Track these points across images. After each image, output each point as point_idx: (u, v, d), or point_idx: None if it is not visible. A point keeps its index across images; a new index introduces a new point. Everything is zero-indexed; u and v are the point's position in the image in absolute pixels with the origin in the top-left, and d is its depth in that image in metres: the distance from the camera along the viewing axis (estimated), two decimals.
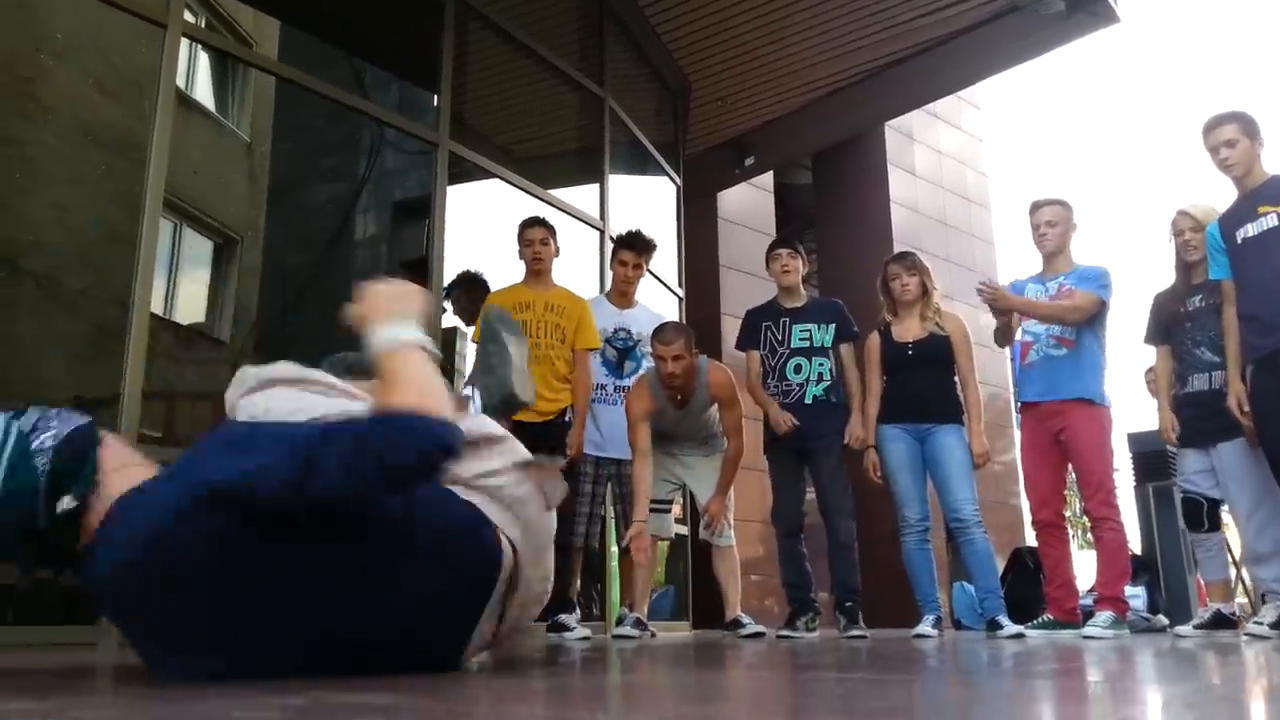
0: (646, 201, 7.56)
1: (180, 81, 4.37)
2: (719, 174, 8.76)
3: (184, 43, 4.27)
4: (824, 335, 4.66)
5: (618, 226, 5.45)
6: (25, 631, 3.37)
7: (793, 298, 4.78)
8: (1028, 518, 4.62)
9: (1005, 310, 4.42)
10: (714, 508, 4.54)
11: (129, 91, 5.98)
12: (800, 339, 4.65)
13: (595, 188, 6.59)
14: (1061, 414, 4.31)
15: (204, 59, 7.76)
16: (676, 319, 6.36)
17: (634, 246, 4.88)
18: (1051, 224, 4.50)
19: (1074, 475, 4.47)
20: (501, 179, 5.75)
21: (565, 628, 4.24)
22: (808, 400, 4.57)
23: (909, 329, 4.58)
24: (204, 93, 8.08)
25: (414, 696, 1.36)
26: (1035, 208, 4.57)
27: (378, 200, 8.60)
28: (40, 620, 3.42)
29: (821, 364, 4.62)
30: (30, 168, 5.86)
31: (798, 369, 4.62)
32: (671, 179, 7.75)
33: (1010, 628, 4.15)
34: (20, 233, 5.64)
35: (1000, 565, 5.66)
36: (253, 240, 8.10)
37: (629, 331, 4.87)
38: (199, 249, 7.92)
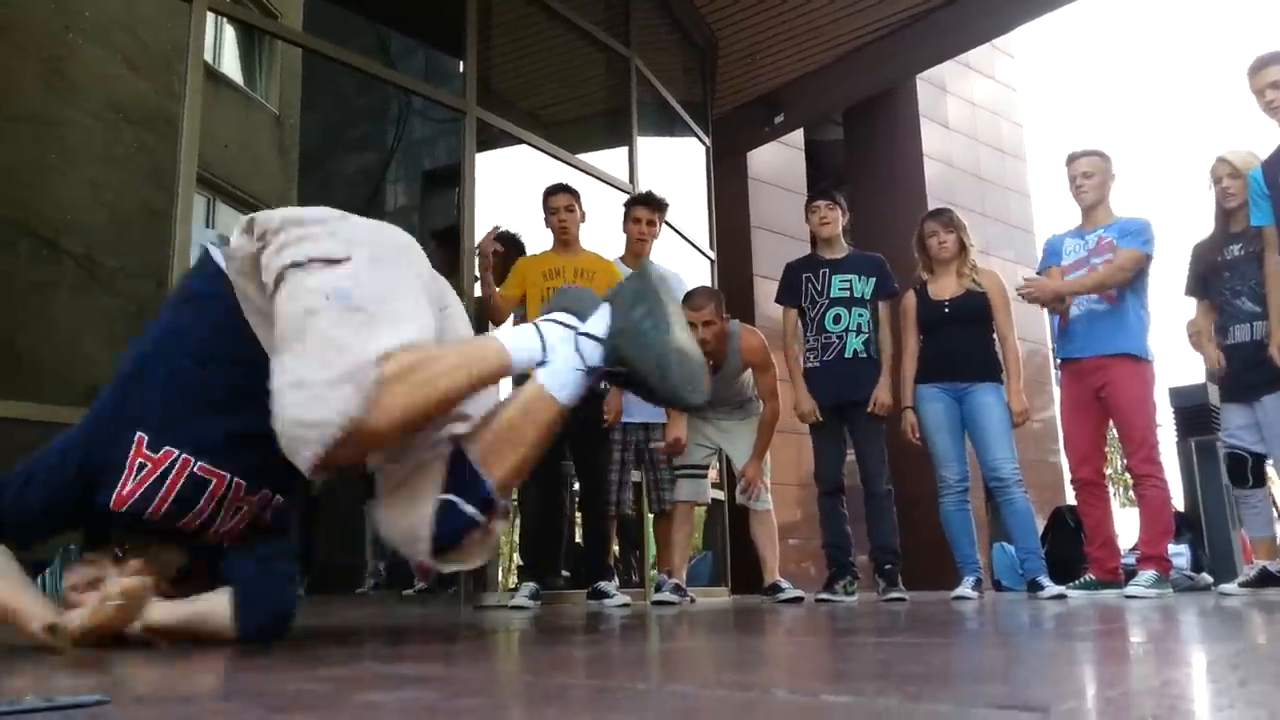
0: (675, 163, 7.50)
1: (208, 56, 4.37)
2: (748, 133, 8.67)
3: (210, 17, 4.26)
4: (864, 287, 4.61)
5: (647, 189, 5.41)
6: None
7: (833, 249, 4.74)
8: (1068, 476, 4.57)
9: (1053, 299, 4.36)
10: (750, 472, 4.54)
11: (157, 67, 6.01)
12: (840, 289, 4.61)
13: (624, 150, 6.55)
14: (1103, 369, 4.25)
15: (230, 32, 7.78)
16: (699, 279, 6.31)
17: (648, 203, 4.82)
18: (1088, 175, 4.42)
19: (1115, 432, 4.41)
20: (530, 144, 5.72)
21: (605, 595, 4.27)
22: (847, 354, 4.54)
23: (945, 287, 4.52)
24: (231, 66, 8.11)
25: (455, 666, 1.38)
26: (1072, 159, 4.49)
27: (407, 169, 8.63)
28: None
29: (861, 314, 4.57)
30: (65, 146, 5.93)
31: (837, 319, 4.58)
32: (700, 139, 7.68)
33: (1051, 588, 4.13)
34: (58, 212, 5.71)
35: (1041, 525, 5.62)
36: None
37: None
38: (232, 223, 7.98)
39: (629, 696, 1.00)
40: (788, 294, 4.76)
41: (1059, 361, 4.56)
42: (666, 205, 4.92)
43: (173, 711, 0.96)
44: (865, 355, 4.54)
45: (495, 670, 1.44)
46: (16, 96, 5.72)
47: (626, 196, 6.19)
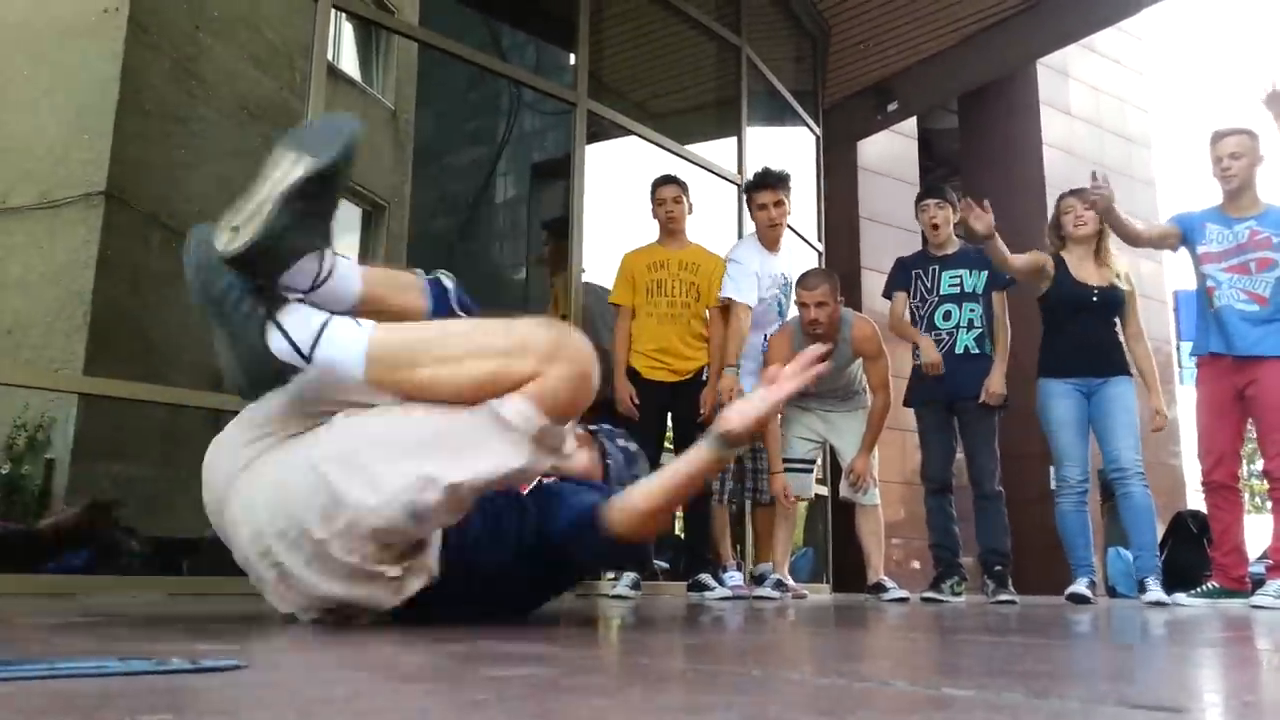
0: (784, 153, 7.43)
1: (328, 53, 4.51)
2: (860, 121, 8.52)
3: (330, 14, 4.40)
4: (975, 281, 4.50)
5: (762, 167, 5.29)
6: (201, 581, 3.63)
7: (943, 246, 4.64)
8: (1189, 480, 4.38)
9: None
10: (859, 465, 4.47)
11: (281, 64, 6.24)
12: (950, 285, 4.52)
13: (732, 141, 6.52)
14: (1250, 368, 4.01)
15: (348, 30, 8.02)
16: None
17: (765, 184, 4.51)
18: (1236, 156, 4.13)
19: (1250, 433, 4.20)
20: (639, 136, 5.75)
21: (706, 587, 4.27)
22: (958, 350, 4.44)
23: (1088, 272, 4.36)
24: (349, 62, 8.36)
25: (569, 649, 1.41)
26: (1218, 138, 4.19)
27: (517, 162, 8.77)
28: (214, 571, 3.66)
29: (972, 310, 4.47)
30: (195, 143, 6.20)
31: (947, 315, 4.49)
32: (810, 129, 7.60)
33: (1156, 593, 3.96)
34: (188, 205, 5.98)
35: (1160, 530, 5.39)
36: (399, 206, 8.37)
37: (787, 278, 4.65)
38: (348, 216, 8.23)
39: (747, 681, 1.00)
40: (898, 281, 4.69)
41: (1197, 356, 4.33)
42: (787, 178, 4.58)
43: (303, 677, 1.01)
44: (977, 351, 4.43)
45: (607, 653, 1.47)
46: (150, 94, 6.00)
47: (734, 188, 6.17)
